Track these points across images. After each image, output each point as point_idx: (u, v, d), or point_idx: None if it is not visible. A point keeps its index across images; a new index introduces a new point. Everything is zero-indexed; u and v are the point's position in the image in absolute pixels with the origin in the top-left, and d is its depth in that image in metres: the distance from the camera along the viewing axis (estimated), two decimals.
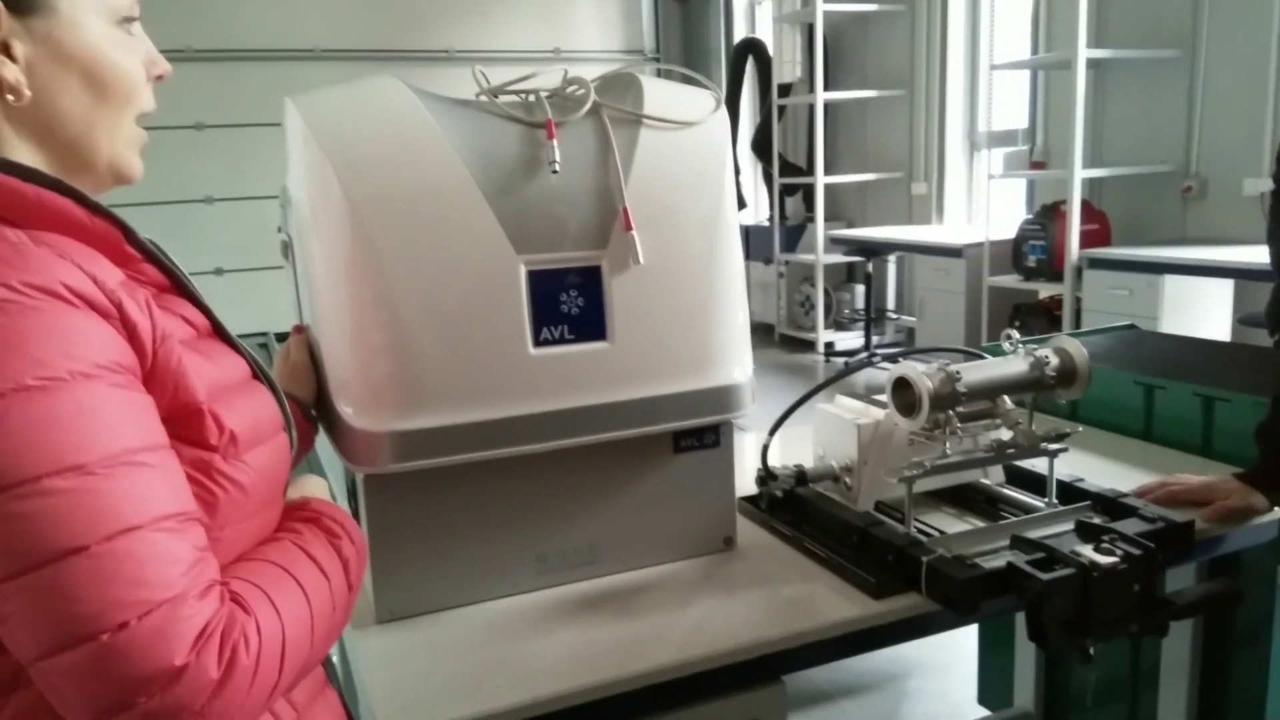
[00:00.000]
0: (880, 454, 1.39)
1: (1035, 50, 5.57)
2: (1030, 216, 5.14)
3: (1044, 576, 1.14)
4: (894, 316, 6.90)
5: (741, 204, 7.14)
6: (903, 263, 6.83)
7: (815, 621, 1.19)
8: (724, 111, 1.32)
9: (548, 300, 1.18)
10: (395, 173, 1.13)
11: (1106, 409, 1.90)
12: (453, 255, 1.14)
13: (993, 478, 1.51)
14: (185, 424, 0.76)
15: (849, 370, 5.45)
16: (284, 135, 1.20)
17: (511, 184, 1.17)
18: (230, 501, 0.78)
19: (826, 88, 6.58)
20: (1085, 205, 4.79)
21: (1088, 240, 4.75)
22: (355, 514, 1.22)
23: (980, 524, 1.40)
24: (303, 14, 6.75)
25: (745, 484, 1.47)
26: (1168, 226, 4.88)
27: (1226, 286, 4.35)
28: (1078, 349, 1.37)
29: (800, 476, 1.44)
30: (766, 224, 7.42)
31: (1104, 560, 1.14)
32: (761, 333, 7.18)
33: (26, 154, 0.77)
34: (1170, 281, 4.27)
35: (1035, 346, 1.40)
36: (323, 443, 1.22)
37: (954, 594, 1.17)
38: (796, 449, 1.55)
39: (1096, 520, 1.31)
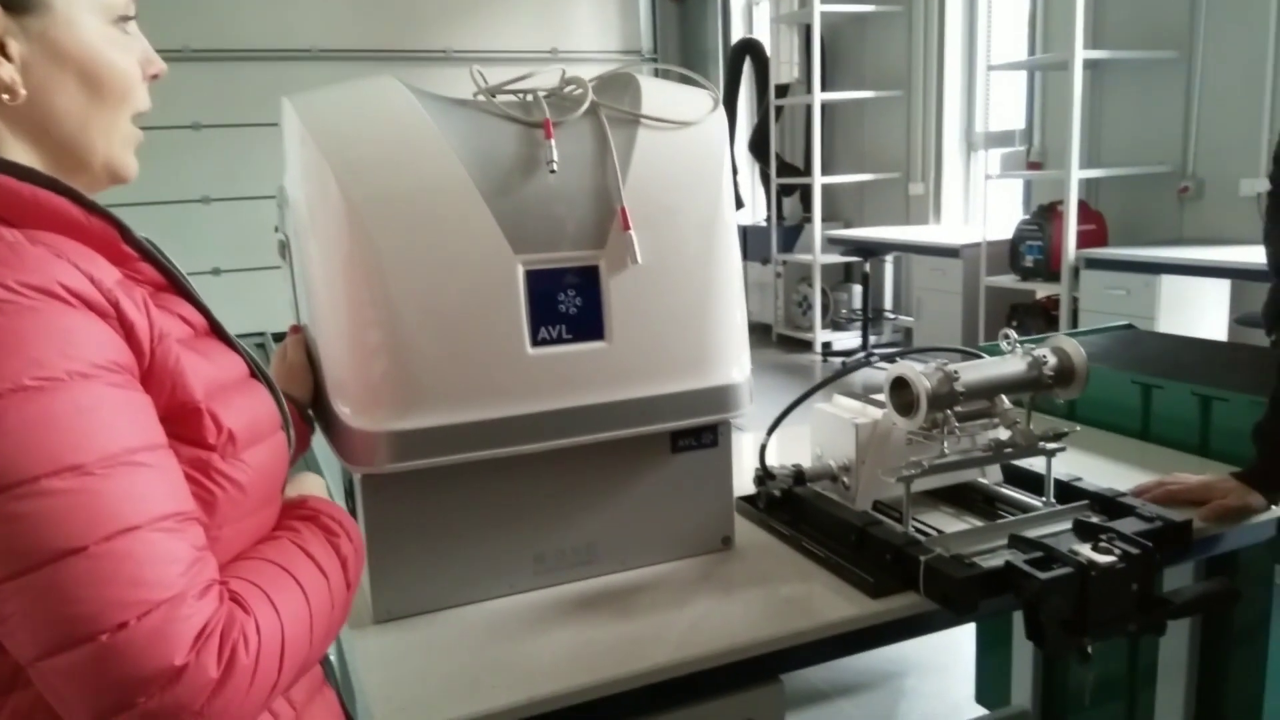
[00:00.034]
0: (878, 453, 1.40)
1: (1032, 51, 5.58)
2: (1027, 217, 5.15)
3: (1042, 576, 1.14)
4: (891, 316, 6.90)
5: (739, 204, 7.14)
6: (900, 263, 6.83)
7: (813, 621, 1.19)
8: (722, 111, 1.32)
9: (545, 300, 1.18)
10: (393, 172, 1.13)
11: (1104, 408, 1.90)
12: (450, 255, 1.14)
13: (990, 477, 1.51)
14: (183, 423, 0.76)
15: (847, 370, 5.46)
16: (281, 135, 1.19)
17: (509, 184, 1.17)
18: (228, 500, 0.78)
19: (824, 88, 6.58)
20: (1082, 206, 4.79)
21: (1085, 240, 4.76)
22: (352, 514, 1.21)
23: (978, 523, 1.40)
24: (300, 14, 6.74)
25: (743, 484, 1.47)
26: (1165, 227, 4.89)
27: (1223, 286, 4.36)
28: (1075, 348, 1.37)
29: (798, 476, 1.44)
30: (764, 224, 7.42)
31: (1102, 559, 1.15)
32: (759, 333, 7.18)
33: (22, 153, 0.77)
34: (1167, 281, 4.28)
35: (1033, 346, 1.40)
36: (320, 442, 1.22)
37: (952, 593, 1.17)
38: (794, 449, 1.55)
39: (1094, 519, 1.31)
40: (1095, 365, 1.39)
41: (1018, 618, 1.54)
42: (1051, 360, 1.36)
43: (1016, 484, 1.50)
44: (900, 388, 1.31)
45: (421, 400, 1.13)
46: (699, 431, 1.33)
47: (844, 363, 6.39)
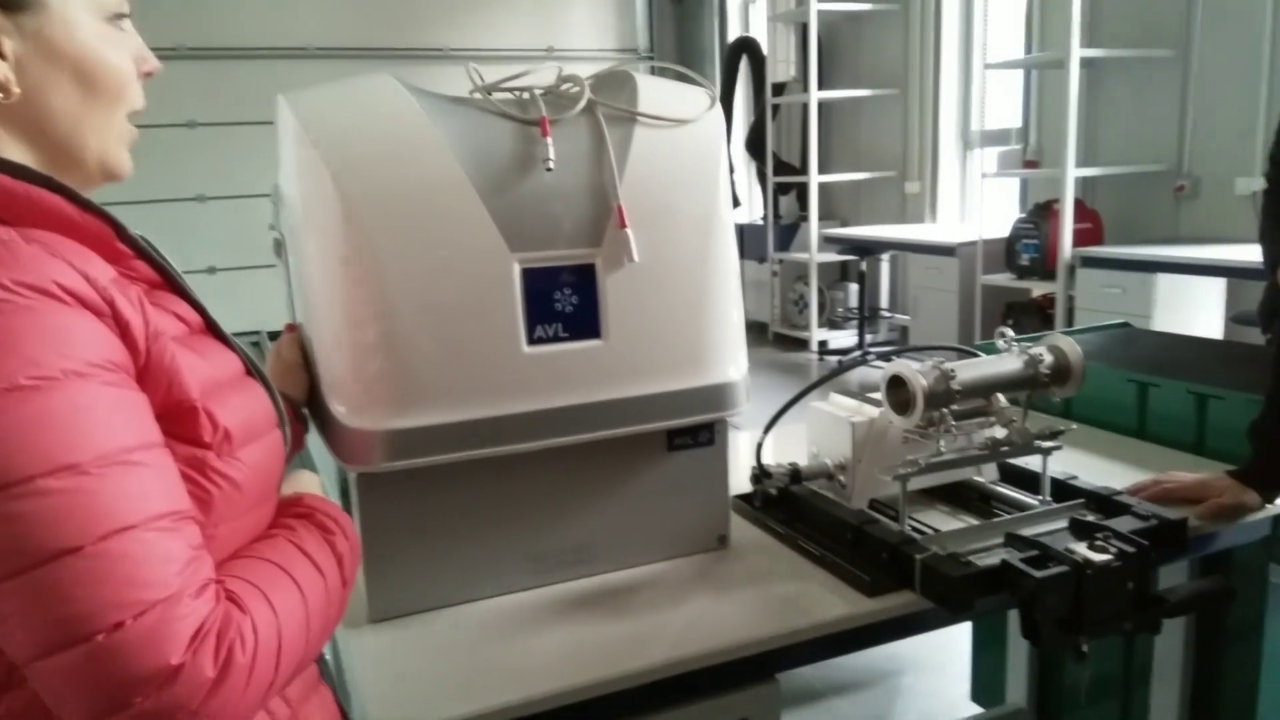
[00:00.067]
0: (874, 452, 1.40)
1: (1029, 49, 5.58)
2: (1023, 215, 5.16)
3: (1038, 574, 1.14)
4: (887, 315, 6.91)
5: (735, 202, 7.15)
6: (896, 261, 6.84)
7: (809, 620, 1.19)
8: (719, 109, 1.32)
9: (542, 298, 1.18)
10: (389, 170, 1.12)
11: (1100, 407, 1.91)
12: (446, 253, 1.13)
13: (987, 475, 1.51)
14: (179, 421, 0.75)
15: (843, 368, 5.46)
16: (276, 133, 1.19)
17: (506, 182, 1.17)
18: (224, 499, 0.78)
19: (820, 87, 6.58)
20: (1078, 204, 4.80)
21: (1080, 239, 4.76)
22: (347, 512, 1.21)
23: (974, 522, 1.40)
24: (296, 12, 6.73)
25: (739, 482, 1.47)
26: (1160, 225, 4.90)
27: (1219, 285, 4.36)
28: (1071, 347, 1.37)
29: (794, 474, 1.44)
30: (760, 223, 7.42)
31: (1098, 558, 1.15)
32: (755, 331, 7.18)
33: (16, 151, 0.77)
34: (1163, 280, 4.29)
35: (1029, 344, 1.40)
36: (315, 441, 1.21)
37: (948, 592, 1.17)
38: (790, 447, 1.55)
39: (1090, 518, 1.32)
40: (1091, 364, 1.39)
41: (1013, 616, 1.55)
42: (1048, 359, 1.36)
43: (1012, 482, 1.50)
44: (897, 386, 1.31)
45: (417, 399, 1.13)
46: (695, 430, 1.33)
47: (840, 361, 6.40)
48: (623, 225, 1.20)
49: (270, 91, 1.20)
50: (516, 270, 1.16)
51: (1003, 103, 6.05)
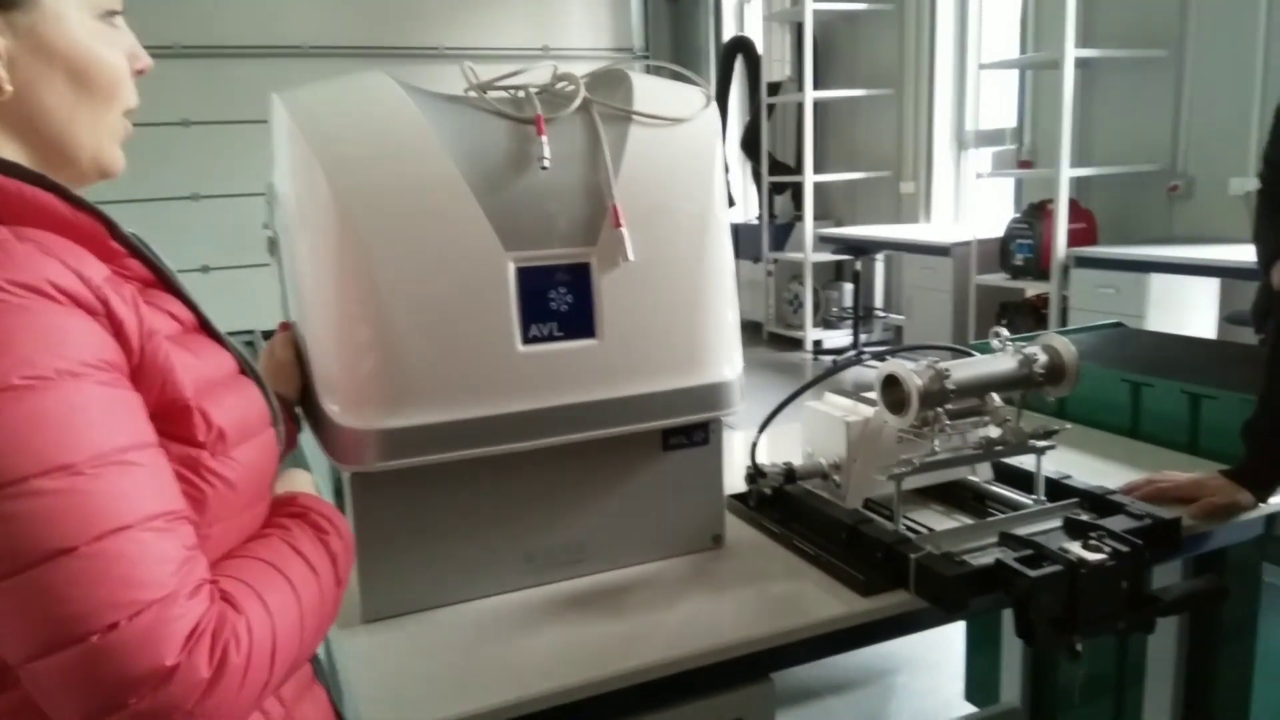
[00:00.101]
0: (869, 451, 1.40)
1: (1023, 49, 5.59)
2: (1017, 215, 5.16)
3: (1032, 573, 1.14)
4: (882, 315, 6.91)
5: (731, 202, 7.14)
6: (890, 261, 6.84)
7: (803, 619, 1.19)
8: (714, 108, 1.32)
9: (536, 297, 1.18)
10: (383, 169, 1.12)
11: (1094, 406, 1.91)
12: (441, 252, 1.13)
13: (981, 475, 1.51)
14: (173, 420, 0.75)
15: (837, 368, 5.47)
16: (270, 132, 1.19)
17: (500, 180, 1.16)
18: (218, 498, 0.78)
19: (815, 86, 6.58)
20: (1072, 204, 4.81)
21: (1075, 239, 4.77)
22: (341, 512, 1.21)
23: (968, 521, 1.40)
24: (290, 11, 6.72)
25: (734, 482, 1.47)
26: (1154, 225, 4.90)
27: (1212, 285, 4.37)
28: (1066, 346, 1.37)
29: (789, 474, 1.44)
30: (755, 222, 7.43)
31: (1092, 557, 1.15)
32: (750, 331, 7.18)
33: (8, 149, 0.76)
34: (1156, 280, 4.29)
35: (1024, 344, 1.40)
36: (309, 441, 1.21)
37: (942, 591, 1.18)
38: (785, 447, 1.55)
39: (1084, 517, 1.32)
40: (1085, 363, 1.39)
41: (1007, 615, 1.55)
42: (1042, 358, 1.36)
43: (1007, 482, 1.50)
44: (891, 385, 1.31)
45: (411, 398, 1.13)
46: (690, 429, 1.33)
47: (834, 361, 6.40)
48: (618, 224, 1.20)
49: (265, 90, 1.20)
50: (511, 269, 1.16)
51: (997, 103, 6.06)
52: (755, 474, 1.47)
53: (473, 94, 1.23)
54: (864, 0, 6.63)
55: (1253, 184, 3.53)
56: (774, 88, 7.22)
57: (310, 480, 0.99)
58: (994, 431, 1.38)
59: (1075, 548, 1.17)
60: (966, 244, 5.40)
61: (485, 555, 1.25)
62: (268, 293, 1.31)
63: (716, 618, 1.19)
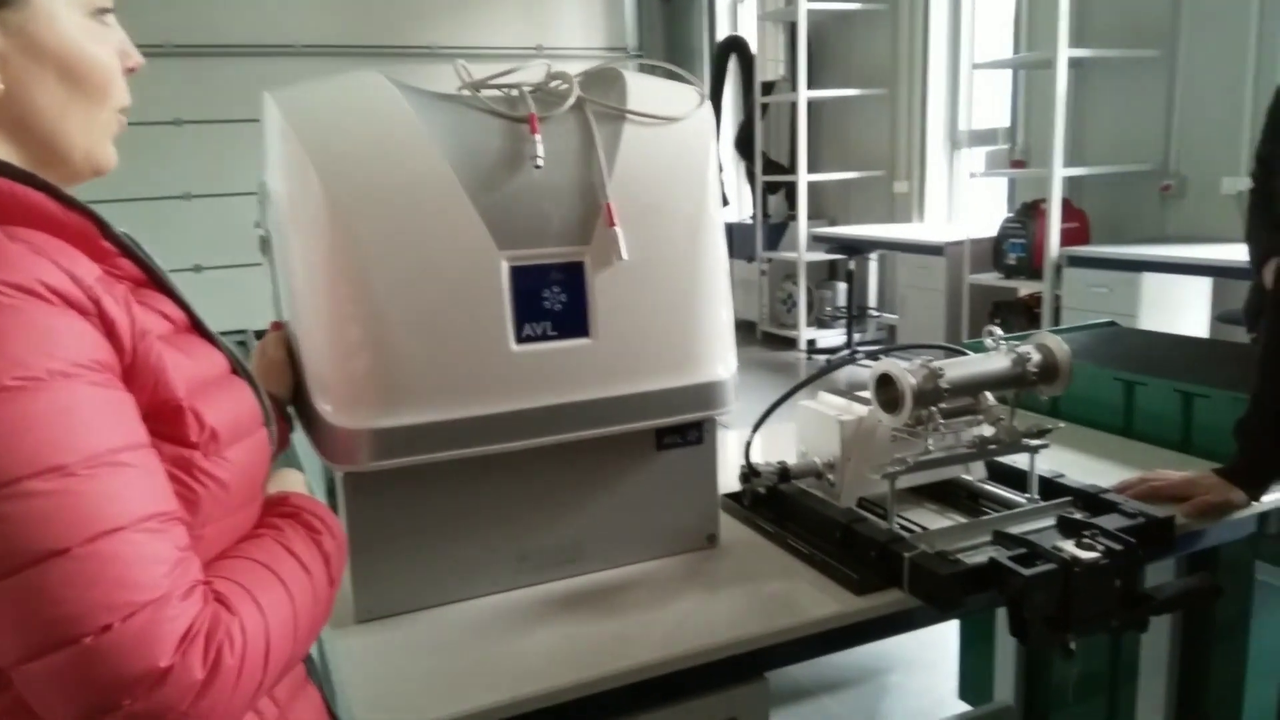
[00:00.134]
0: (863, 450, 1.40)
1: (1016, 49, 5.60)
2: (1011, 215, 5.17)
3: (1026, 572, 1.14)
4: (875, 314, 6.93)
5: (724, 201, 7.14)
6: (884, 261, 6.86)
7: (798, 618, 1.19)
8: (708, 107, 1.31)
9: (530, 296, 1.18)
10: (375, 167, 1.12)
11: (1087, 405, 1.91)
12: (434, 251, 1.13)
13: (975, 474, 1.52)
14: (165, 421, 0.75)
15: (831, 367, 5.47)
16: (263, 130, 1.18)
17: (494, 179, 1.16)
18: (211, 499, 0.77)
19: (809, 86, 6.59)
20: (1065, 204, 4.82)
21: (1067, 238, 4.78)
22: (334, 512, 1.20)
23: (962, 520, 1.40)
24: (283, 9, 6.70)
25: (728, 481, 1.47)
26: (1147, 225, 4.92)
27: (1205, 284, 4.39)
28: (1059, 345, 1.37)
29: (783, 473, 1.44)
30: (749, 222, 7.43)
31: (1085, 555, 1.15)
32: (744, 331, 7.19)
33: (0, 148, 0.76)
34: (1149, 279, 4.31)
35: (1017, 343, 1.40)
36: (301, 440, 1.21)
37: (936, 590, 1.18)
38: (779, 446, 1.55)
39: (1078, 516, 1.32)
40: (1078, 362, 1.39)
41: (1001, 614, 1.55)
42: (1035, 357, 1.36)
43: (1000, 481, 1.50)
44: (885, 385, 1.31)
45: (404, 397, 1.13)
46: (684, 429, 1.33)
47: (828, 360, 6.41)
48: (611, 223, 1.20)
49: (257, 89, 1.20)
50: (505, 268, 1.16)
51: (990, 102, 6.07)
52: (749, 473, 1.47)
53: (466, 92, 1.23)
54: (857, 0, 6.64)
55: (1244, 183, 3.55)
56: (768, 87, 7.23)
57: (302, 480, 0.99)
58: (987, 430, 1.38)
59: (1069, 546, 1.17)
60: (960, 243, 5.41)
61: (479, 555, 1.25)
62: (260, 292, 1.31)
63: (711, 617, 1.19)
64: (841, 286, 6.88)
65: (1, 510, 0.63)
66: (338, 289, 1.11)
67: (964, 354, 1.43)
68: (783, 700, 2.59)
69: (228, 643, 0.68)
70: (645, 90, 1.29)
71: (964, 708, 2.39)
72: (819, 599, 1.23)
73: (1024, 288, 5.13)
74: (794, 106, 6.65)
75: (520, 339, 1.17)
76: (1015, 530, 1.27)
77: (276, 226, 1.19)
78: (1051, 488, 1.43)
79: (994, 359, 1.37)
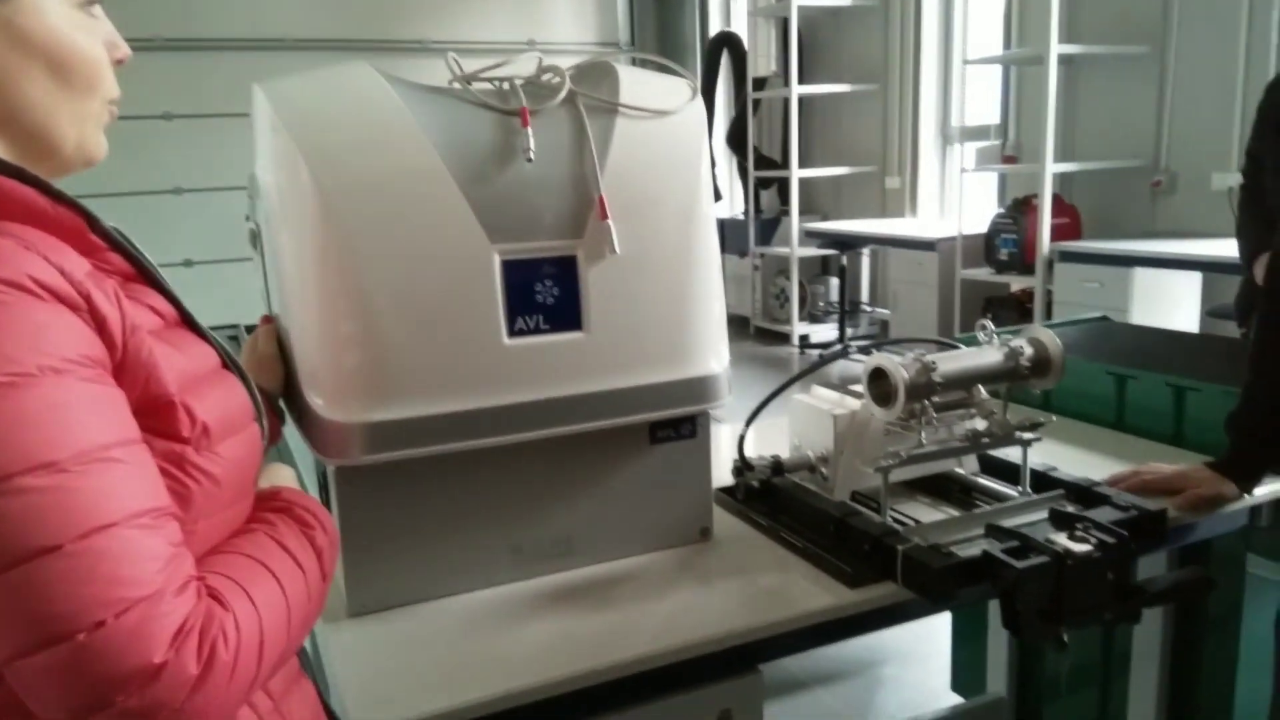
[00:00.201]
0: (856, 444, 1.40)
1: (1008, 45, 5.61)
2: (1002, 210, 5.19)
3: (1018, 564, 1.14)
4: (868, 309, 6.94)
5: (717, 196, 7.15)
6: (876, 256, 6.86)
7: (791, 611, 1.19)
8: (700, 100, 1.31)
9: (522, 290, 1.17)
10: (366, 160, 1.11)
11: (1079, 399, 1.92)
12: (425, 244, 1.12)
13: (967, 467, 1.52)
14: (156, 416, 0.74)
15: (824, 361, 5.48)
16: (252, 123, 1.18)
17: (485, 172, 1.16)
18: (203, 494, 0.77)
19: (801, 81, 6.59)
20: (1056, 199, 4.83)
21: (1059, 234, 4.80)
22: (326, 506, 1.20)
23: (955, 513, 1.40)
24: (273, 3, 6.67)
25: (721, 475, 1.47)
26: (1137, 220, 4.94)
27: (1195, 279, 4.40)
28: (1051, 339, 1.37)
29: (777, 467, 1.44)
30: (741, 217, 7.43)
31: (1078, 548, 1.15)
32: (736, 326, 7.19)
33: None
34: (1140, 274, 4.32)
35: (1010, 337, 1.40)
36: (293, 434, 1.20)
37: (929, 582, 1.18)
38: (773, 440, 1.55)
39: (1070, 509, 1.32)
40: (1070, 356, 1.40)
41: (993, 607, 1.55)
42: (1028, 351, 1.37)
43: (993, 474, 1.51)
44: (878, 378, 1.31)
45: (396, 391, 1.12)
46: (678, 423, 1.33)
47: (821, 355, 6.41)
48: (604, 217, 1.19)
49: (247, 83, 1.19)
50: (497, 262, 1.16)
51: (982, 98, 6.08)
52: (743, 467, 1.47)
53: (457, 85, 1.22)
54: None
55: (1235, 179, 3.56)
56: (760, 83, 7.22)
57: (293, 475, 0.98)
58: (980, 424, 1.39)
59: (1061, 539, 1.17)
60: (952, 239, 5.43)
61: (472, 549, 1.25)
62: (251, 287, 1.30)
63: (704, 610, 1.19)
64: (834, 282, 6.89)
65: None
66: (329, 282, 1.10)
67: (956, 348, 1.43)
68: (776, 693, 2.59)
69: (221, 638, 0.68)
70: (637, 84, 1.28)
71: (956, 700, 2.40)
72: (812, 592, 1.23)
73: (1016, 283, 5.14)
74: (786, 102, 6.65)
75: (512, 333, 1.17)
76: (1008, 523, 1.28)
77: (266, 220, 1.19)
78: (1044, 481, 1.44)
79: (987, 353, 1.38)
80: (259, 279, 1.29)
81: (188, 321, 0.85)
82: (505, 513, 1.26)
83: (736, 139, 7.42)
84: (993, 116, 5.89)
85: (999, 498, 1.42)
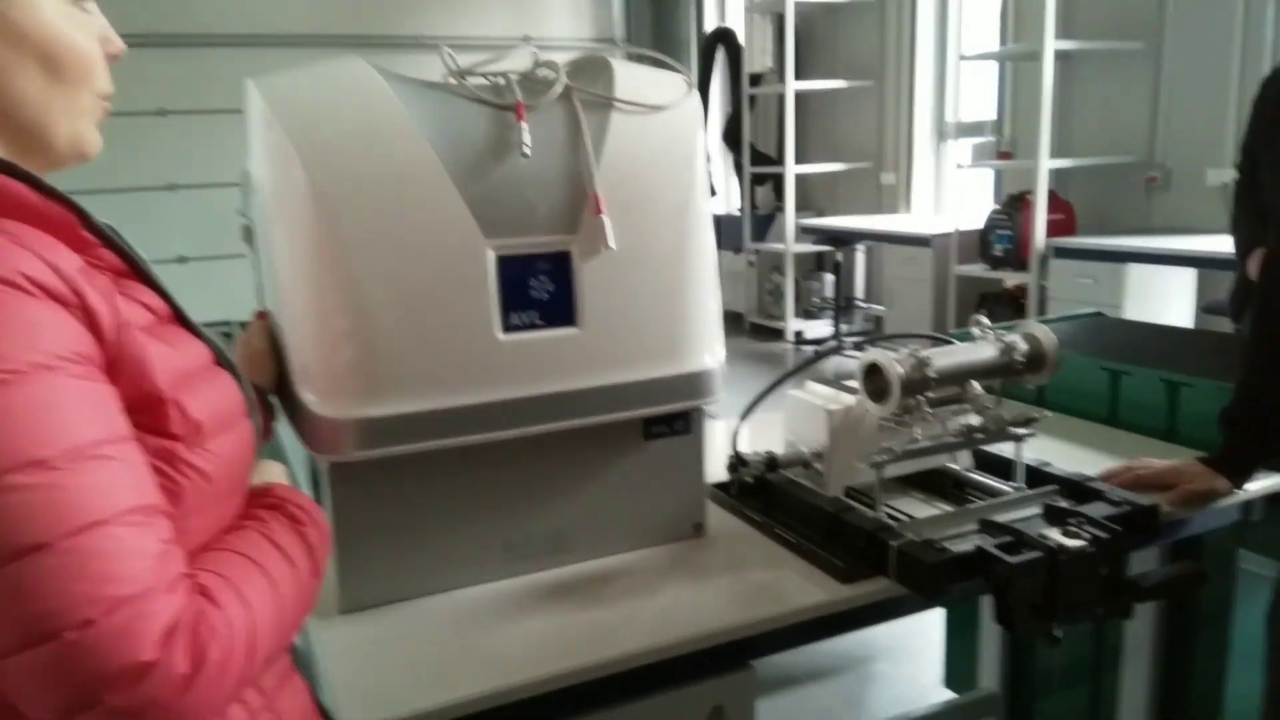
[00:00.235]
0: (850, 440, 1.40)
1: (1003, 41, 5.61)
2: (997, 206, 5.19)
3: (1012, 560, 1.15)
4: (863, 305, 6.94)
5: (712, 192, 7.14)
6: (871, 252, 6.87)
7: (784, 607, 1.19)
8: (696, 96, 1.31)
9: (517, 285, 1.17)
10: (360, 155, 1.11)
11: (1073, 394, 1.92)
12: (419, 239, 1.12)
13: (961, 463, 1.52)
14: (148, 413, 0.74)
15: (818, 356, 5.49)
16: (246, 118, 1.17)
17: (480, 167, 1.15)
18: (195, 491, 0.77)
19: (797, 78, 6.58)
20: (1051, 195, 4.84)
21: (1054, 229, 4.80)
22: (318, 502, 1.20)
23: (949, 508, 1.40)
24: None
25: (715, 471, 1.47)
26: (1132, 216, 4.94)
27: (1189, 275, 4.41)
28: (1046, 334, 1.38)
29: (771, 463, 1.44)
30: (737, 213, 7.43)
31: (1071, 543, 1.15)
32: (731, 322, 7.19)
33: None
34: (1134, 270, 4.33)
35: (1004, 332, 1.41)
36: (285, 430, 1.20)
37: (923, 578, 1.18)
38: (767, 435, 1.55)
39: (1063, 504, 1.32)
40: (1064, 352, 1.40)
41: (985, 602, 1.55)
42: (1022, 346, 1.37)
43: (987, 469, 1.51)
44: (873, 374, 1.31)
45: (389, 387, 1.12)
46: (671, 418, 1.33)
47: (815, 351, 6.42)
48: (599, 212, 1.19)
49: (242, 79, 1.19)
50: (491, 257, 1.15)
51: (977, 94, 6.08)
52: (737, 463, 1.47)
53: (452, 80, 1.22)
54: None
55: (1229, 175, 3.57)
56: (755, 79, 7.22)
57: (284, 472, 0.98)
58: (974, 419, 1.39)
59: (1054, 534, 1.17)
60: (947, 235, 5.43)
61: (465, 545, 1.25)
62: (245, 284, 1.30)
63: (698, 606, 1.19)
64: (829, 278, 6.88)
65: None
66: (322, 278, 1.10)
67: (951, 343, 1.43)
68: (769, 689, 2.60)
69: (211, 636, 0.68)
70: (633, 79, 1.28)
71: (949, 695, 2.41)
72: (806, 588, 1.23)
73: (1010, 279, 5.15)
74: (781, 98, 6.65)
75: (507, 328, 1.17)
76: (1001, 518, 1.28)
77: (260, 215, 1.18)
78: (1037, 476, 1.44)
79: (981, 348, 1.38)
80: (252, 275, 1.29)
81: (180, 318, 0.85)
82: (498, 509, 1.26)
83: (732, 135, 7.42)
84: (988, 112, 5.89)
85: (992, 493, 1.42)
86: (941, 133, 6.52)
